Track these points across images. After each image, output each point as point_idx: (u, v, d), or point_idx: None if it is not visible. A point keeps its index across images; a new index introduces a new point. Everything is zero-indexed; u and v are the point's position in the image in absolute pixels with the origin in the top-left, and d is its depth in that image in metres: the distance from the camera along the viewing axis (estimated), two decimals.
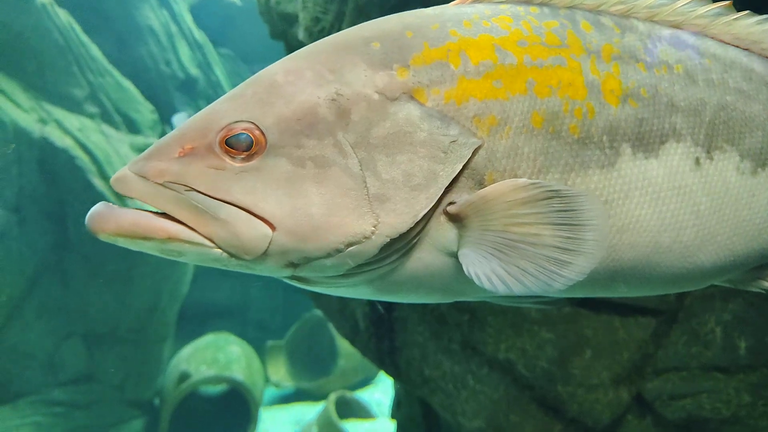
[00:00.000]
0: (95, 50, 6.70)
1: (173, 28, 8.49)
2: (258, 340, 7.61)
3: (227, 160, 1.03)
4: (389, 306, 3.31)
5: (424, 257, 1.07)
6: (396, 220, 1.01)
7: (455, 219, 1.04)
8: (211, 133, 1.04)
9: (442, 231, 1.05)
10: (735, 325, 2.06)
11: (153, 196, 1.02)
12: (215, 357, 6.38)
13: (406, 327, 3.18)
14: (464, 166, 1.04)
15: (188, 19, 8.82)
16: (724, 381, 2.11)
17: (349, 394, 6.68)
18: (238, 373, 6.25)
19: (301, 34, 4.03)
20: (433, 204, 1.03)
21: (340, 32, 1.15)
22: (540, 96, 1.07)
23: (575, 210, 0.98)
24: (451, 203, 1.05)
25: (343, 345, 7.13)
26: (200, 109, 1.12)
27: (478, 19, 1.11)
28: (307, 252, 1.02)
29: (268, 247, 1.01)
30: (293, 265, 1.04)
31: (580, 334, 2.44)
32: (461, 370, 2.87)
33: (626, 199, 1.09)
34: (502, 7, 1.15)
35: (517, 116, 1.06)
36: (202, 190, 1.01)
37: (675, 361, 2.26)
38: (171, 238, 1.00)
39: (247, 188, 1.01)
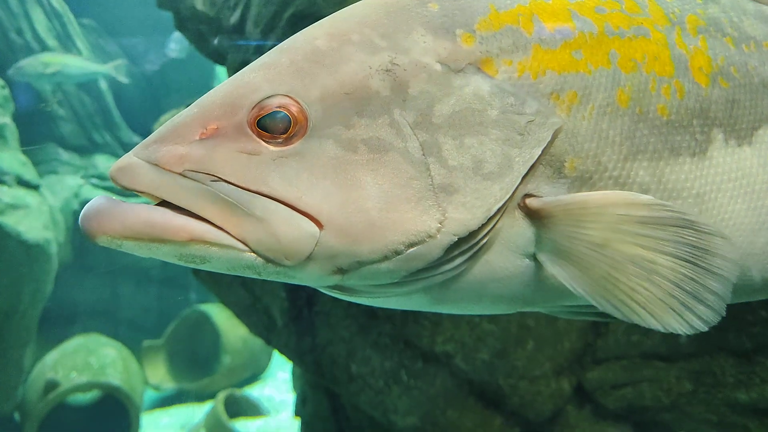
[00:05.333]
0: None
1: None
2: (132, 340, 6.99)
3: (262, 143, 0.83)
4: (309, 300, 3.11)
5: (493, 260, 0.91)
6: (465, 216, 0.86)
7: (534, 215, 0.90)
8: (240, 110, 0.84)
9: (517, 229, 0.91)
10: None
11: (169, 189, 0.81)
12: (87, 361, 5.75)
13: (329, 322, 3.00)
14: (542, 151, 0.89)
15: None
16: (665, 369, 2.17)
17: (238, 392, 6.35)
18: (115, 378, 5.67)
19: (199, 4, 3.66)
20: (509, 196, 0.88)
21: None
22: (625, 71, 0.94)
23: (708, 251, 0.85)
24: (527, 195, 0.90)
25: (229, 342, 6.77)
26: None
27: None
28: (359, 255, 0.84)
29: (313, 249, 0.82)
30: (341, 271, 0.86)
31: (522, 324, 2.42)
32: (393, 365, 2.76)
33: (718, 193, 0.98)
34: None
35: (600, 93, 0.93)
36: (232, 181, 0.82)
37: (615, 350, 2.30)
38: (194, 240, 0.80)
39: (287, 178, 0.83)
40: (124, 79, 7.65)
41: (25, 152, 6.39)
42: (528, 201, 0.90)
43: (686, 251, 0.86)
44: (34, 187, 6.13)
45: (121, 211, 0.79)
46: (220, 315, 6.75)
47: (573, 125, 0.92)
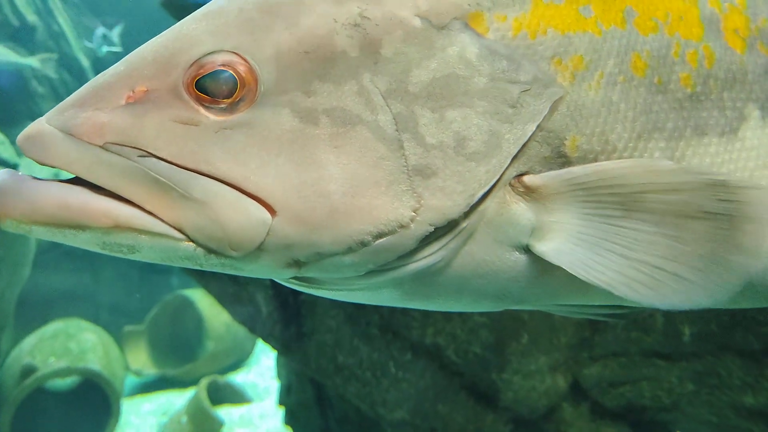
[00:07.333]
0: None
1: None
2: (113, 325, 6.87)
3: (201, 110, 0.70)
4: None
5: (477, 252, 0.79)
6: (444, 203, 0.74)
7: (530, 196, 0.78)
8: (175, 69, 0.71)
9: (506, 216, 0.78)
10: (680, 311, 2.03)
11: (88, 166, 0.69)
12: (66, 346, 5.61)
13: (316, 311, 2.90)
14: (538, 127, 0.77)
15: None
16: (666, 368, 2.08)
17: (221, 378, 6.25)
18: (95, 363, 5.55)
19: None
20: (495, 180, 0.76)
21: None
22: (642, 32, 0.80)
23: (742, 203, 0.72)
24: (520, 175, 0.78)
25: (213, 327, 6.66)
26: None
27: None
28: (319, 246, 0.73)
29: (265, 239, 0.71)
30: (298, 263, 0.74)
31: (516, 317, 2.33)
32: (381, 356, 2.66)
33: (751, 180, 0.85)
34: None
35: (612, 58, 0.79)
36: (164, 157, 0.69)
37: (614, 347, 2.21)
38: (119, 227, 0.68)
39: (232, 153, 0.70)
40: (52, 74, 7.43)
41: (2, 130, 6.20)
42: (525, 178, 0.78)
43: (717, 210, 0.73)
44: (12, 167, 5.95)
45: (28, 190, 0.66)
46: (203, 300, 6.63)
47: (577, 96, 0.78)
